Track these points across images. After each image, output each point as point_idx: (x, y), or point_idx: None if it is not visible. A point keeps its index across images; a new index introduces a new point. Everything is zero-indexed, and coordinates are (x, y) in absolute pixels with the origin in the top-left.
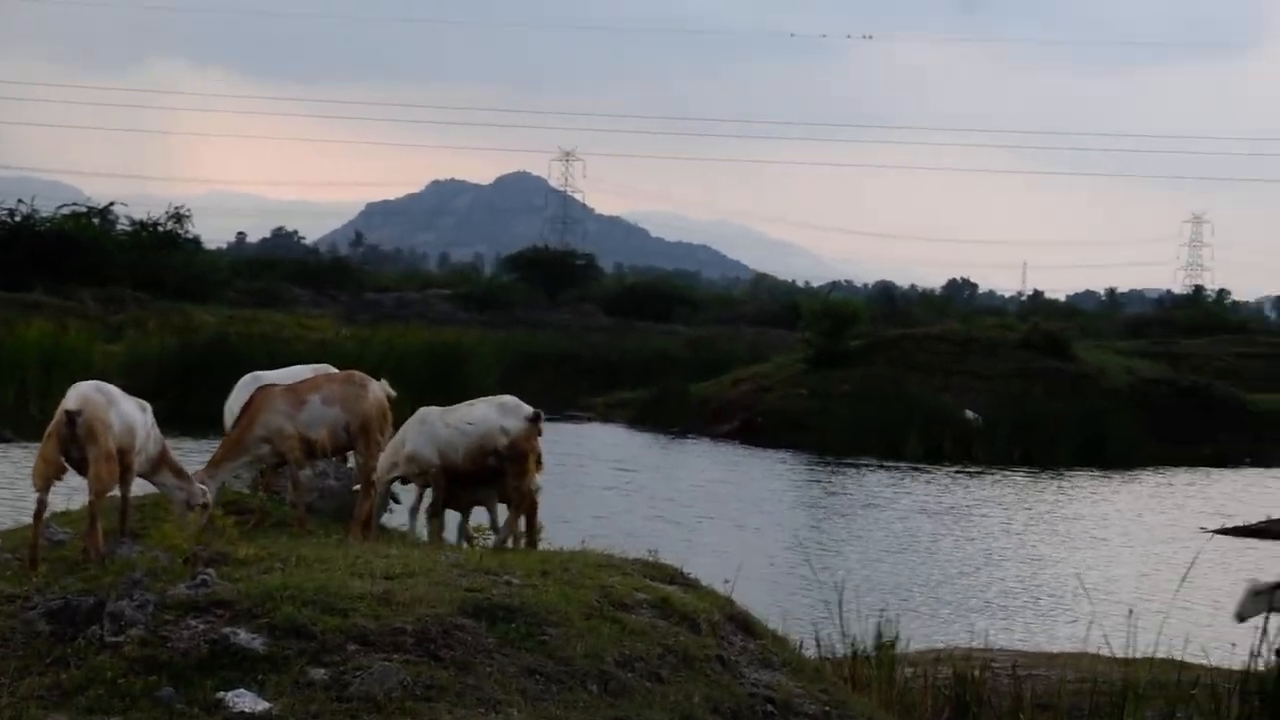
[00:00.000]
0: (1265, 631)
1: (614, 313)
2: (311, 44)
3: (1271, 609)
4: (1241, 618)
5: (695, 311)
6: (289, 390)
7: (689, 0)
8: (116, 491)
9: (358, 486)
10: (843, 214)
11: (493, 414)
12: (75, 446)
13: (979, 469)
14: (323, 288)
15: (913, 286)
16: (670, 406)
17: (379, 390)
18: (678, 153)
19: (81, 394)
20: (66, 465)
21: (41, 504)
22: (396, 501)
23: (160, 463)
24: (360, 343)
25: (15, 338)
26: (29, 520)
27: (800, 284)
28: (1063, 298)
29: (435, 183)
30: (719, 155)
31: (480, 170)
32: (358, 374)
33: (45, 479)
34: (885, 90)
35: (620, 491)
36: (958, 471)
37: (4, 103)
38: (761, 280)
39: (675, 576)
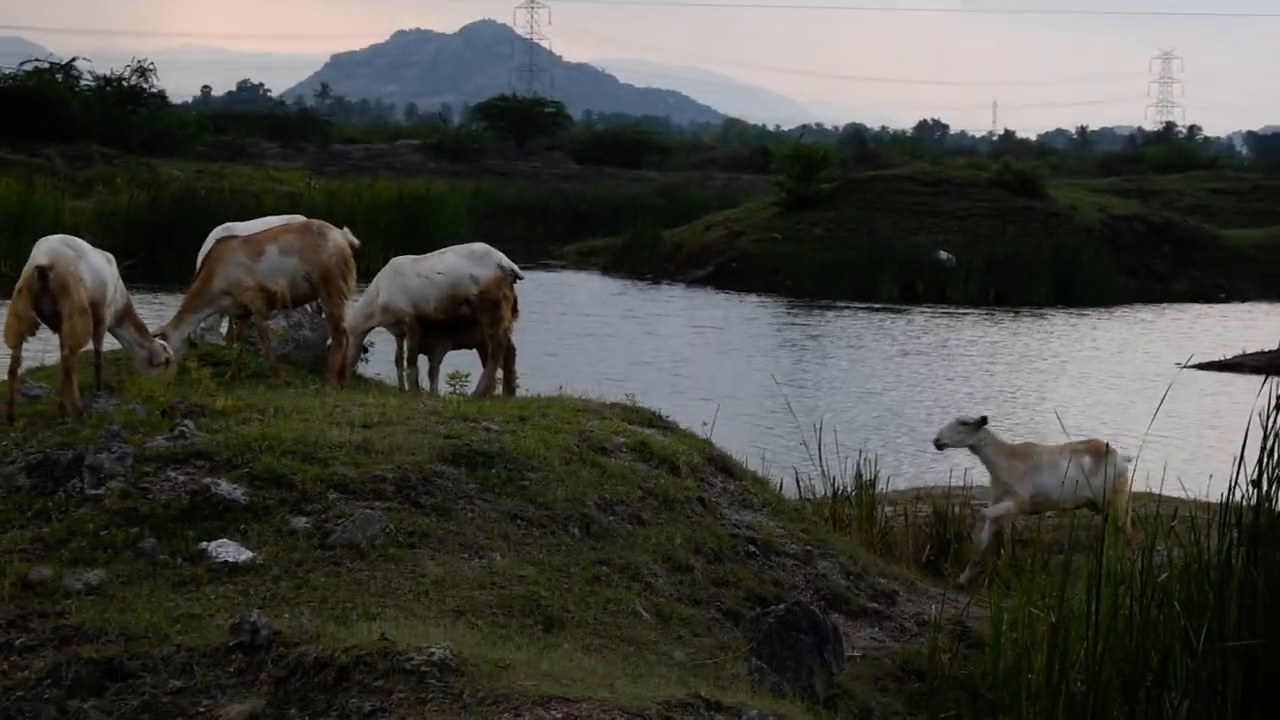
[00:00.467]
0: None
1: (584, 160)
2: None
3: (972, 448)
4: (939, 444)
5: (665, 158)
6: (246, 241)
7: None
8: (90, 346)
9: None
10: (813, 57)
11: (462, 262)
12: (47, 300)
13: (954, 309)
14: (290, 140)
15: (883, 129)
16: (643, 253)
17: (340, 238)
18: None
19: (51, 249)
20: (39, 320)
21: (15, 360)
22: (365, 351)
23: (124, 316)
24: (330, 195)
25: None
26: (2, 377)
27: (771, 128)
28: (1034, 137)
29: (400, 33)
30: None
31: (445, 19)
32: (316, 223)
33: (18, 335)
34: None
35: (595, 338)
36: (932, 312)
37: None
38: (731, 125)
39: (653, 420)
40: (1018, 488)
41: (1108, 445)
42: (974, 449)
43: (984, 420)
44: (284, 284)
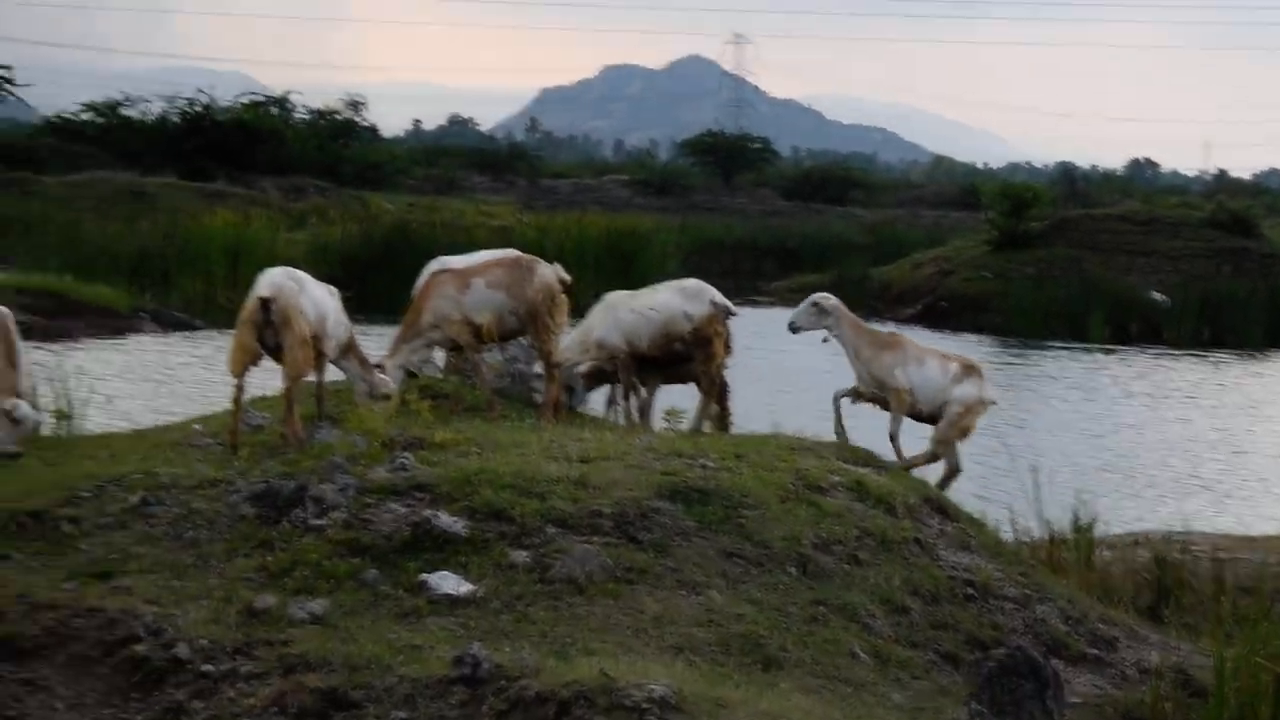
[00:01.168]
0: None
1: (791, 197)
2: None
3: (832, 335)
4: (793, 328)
5: (873, 195)
6: (456, 274)
7: None
8: (311, 377)
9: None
10: (1022, 94)
11: (676, 299)
12: (270, 332)
13: (1169, 351)
14: (500, 175)
15: (1094, 167)
16: (851, 290)
17: (548, 274)
18: (852, 34)
19: (274, 281)
20: (262, 351)
21: (239, 389)
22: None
23: (347, 349)
24: (540, 229)
25: (201, 228)
26: (225, 406)
27: (979, 165)
28: (1248, 176)
29: (608, 68)
30: (894, 36)
31: (653, 56)
32: (526, 258)
33: (241, 365)
34: None
35: (808, 375)
36: (1147, 353)
37: None
38: (939, 163)
39: (869, 459)
40: (890, 380)
41: (979, 367)
42: (833, 335)
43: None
44: (490, 318)
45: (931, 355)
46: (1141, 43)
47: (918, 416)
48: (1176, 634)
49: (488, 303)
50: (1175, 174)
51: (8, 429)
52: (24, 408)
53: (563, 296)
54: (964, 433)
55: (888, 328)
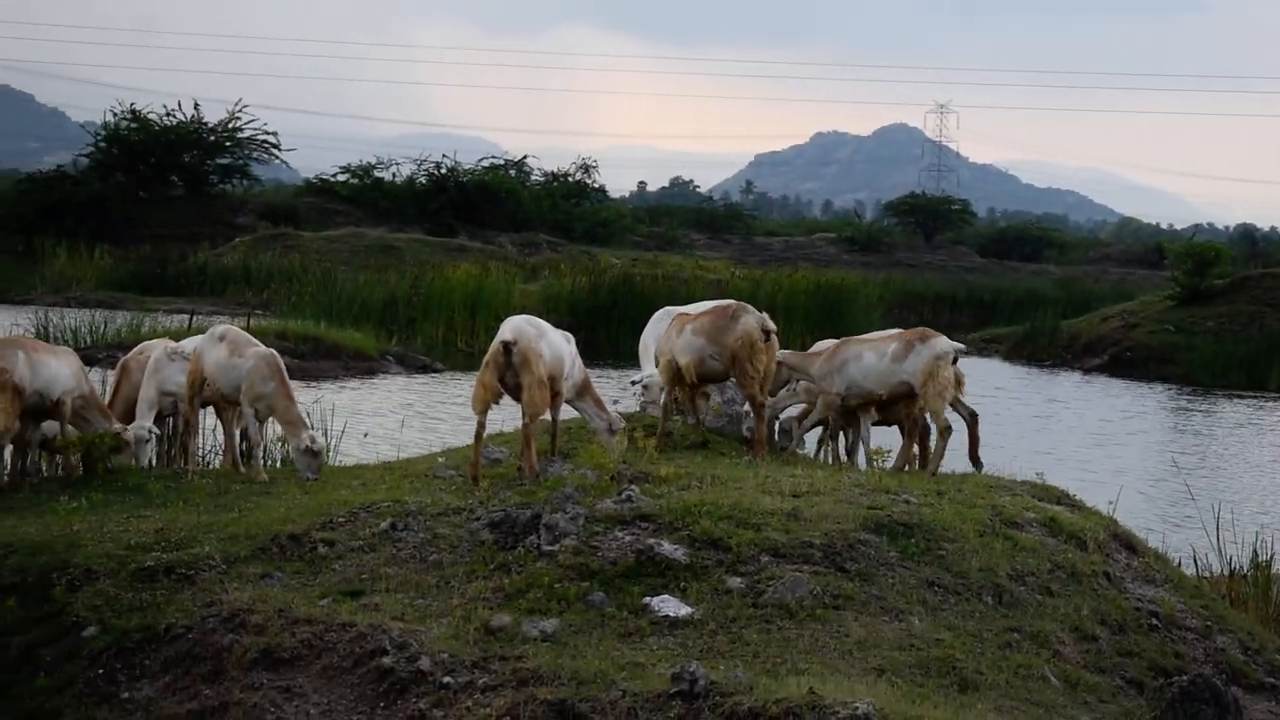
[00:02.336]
0: None
1: (987, 254)
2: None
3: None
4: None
5: (1063, 253)
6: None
7: None
8: (547, 416)
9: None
10: (1205, 160)
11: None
12: (510, 374)
13: None
14: (717, 232)
15: (1273, 229)
16: (1042, 341)
17: (751, 322)
18: (1046, 103)
19: (516, 326)
20: (503, 390)
21: (481, 426)
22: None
23: (584, 390)
24: (753, 283)
25: (444, 279)
26: (466, 442)
27: (1164, 226)
28: None
29: (819, 134)
30: (1086, 105)
31: (860, 123)
32: (735, 305)
33: (484, 403)
34: (1246, 41)
35: (1002, 419)
36: None
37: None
38: (1126, 223)
39: (1061, 498)
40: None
41: (928, 331)
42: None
43: None
44: (689, 361)
45: (867, 345)
46: None
47: (889, 405)
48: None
49: (689, 347)
50: None
51: (309, 461)
52: (319, 439)
53: (763, 344)
54: (940, 394)
55: (1074, 377)
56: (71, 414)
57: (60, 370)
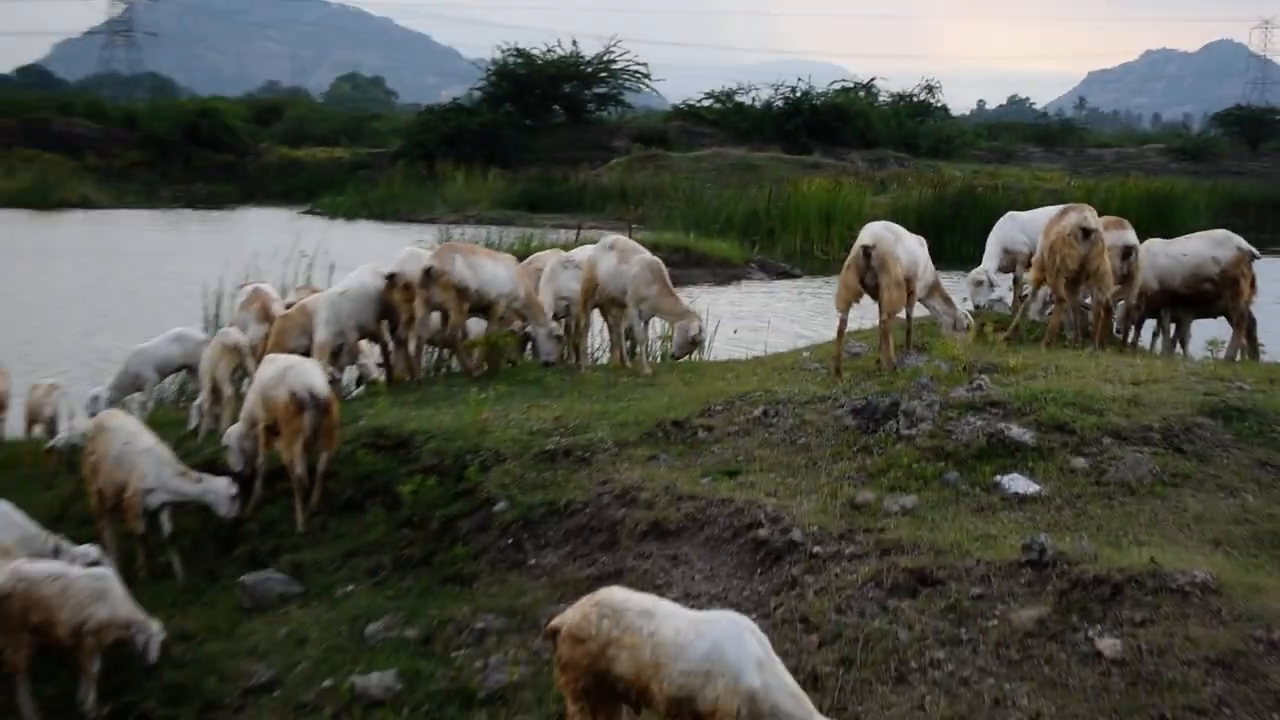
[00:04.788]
0: None
1: None
2: None
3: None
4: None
5: None
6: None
7: None
8: (902, 313)
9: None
10: None
11: (1205, 246)
12: (870, 275)
13: None
14: (1051, 146)
15: None
16: None
17: (1070, 220)
18: None
19: (875, 232)
20: (863, 290)
21: (843, 322)
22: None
23: (933, 290)
24: (1086, 191)
25: (799, 193)
26: (827, 338)
27: None
28: None
29: (1148, 52)
30: None
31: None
32: (1070, 206)
33: (845, 302)
34: None
35: None
36: None
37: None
38: None
39: None
40: None
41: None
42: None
43: None
44: (1021, 256)
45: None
46: None
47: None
48: None
49: (1027, 243)
50: None
51: (686, 345)
52: (696, 324)
53: (1078, 239)
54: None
55: None
56: (510, 313)
57: (498, 273)
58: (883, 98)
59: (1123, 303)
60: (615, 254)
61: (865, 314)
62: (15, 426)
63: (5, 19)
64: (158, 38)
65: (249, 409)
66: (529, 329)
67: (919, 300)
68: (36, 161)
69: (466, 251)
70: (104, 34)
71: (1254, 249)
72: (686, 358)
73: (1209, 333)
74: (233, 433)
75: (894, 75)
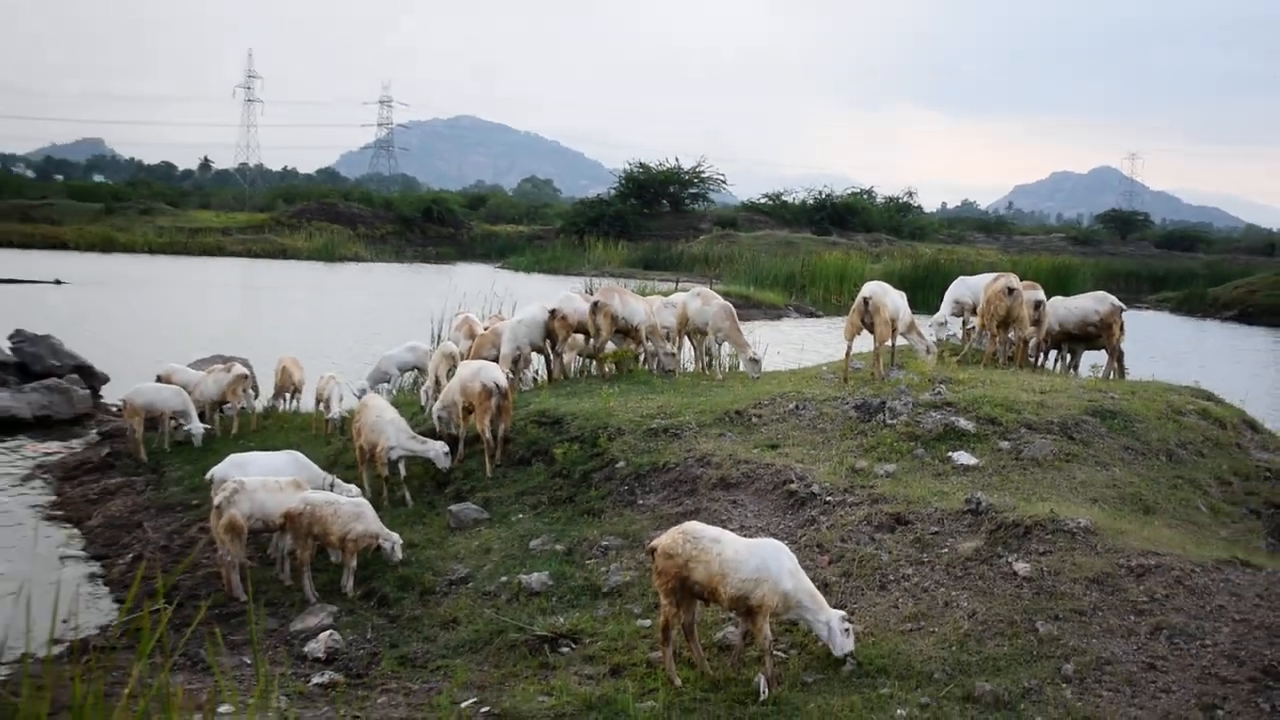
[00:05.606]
0: None
1: (1160, 247)
2: (984, 88)
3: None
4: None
5: (1209, 247)
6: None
7: None
8: (889, 343)
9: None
10: None
11: (1089, 302)
12: (867, 316)
13: None
14: (989, 234)
15: None
16: (1195, 302)
17: (1000, 282)
18: (1199, 151)
19: (870, 288)
20: (862, 327)
21: (849, 348)
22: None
23: (910, 327)
24: (1012, 263)
25: (822, 261)
26: (837, 358)
27: (1275, 230)
28: None
29: (1054, 172)
30: (1225, 154)
31: (1081, 164)
32: (1003, 274)
33: (850, 334)
34: None
35: (1172, 347)
36: None
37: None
38: (1251, 229)
39: (1209, 396)
40: None
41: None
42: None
43: None
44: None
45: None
46: None
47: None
48: None
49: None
50: None
51: (754, 366)
52: (756, 353)
53: (1005, 295)
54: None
55: (1215, 324)
56: (647, 336)
57: (638, 308)
58: (878, 199)
59: (1035, 339)
60: (700, 299)
61: (864, 342)
62: (307, 403)
63: (312, 136)
64: (407, 151)
65: (451, 396)
66: (650, 347)
67: (900, 334)
68: (327, 230)
69: (620, 292)
70: (373, 148)
71: (1123, 304)
72: (754, 373)
73: (1092, 360)
74: (435, 409)
75: (885, 183)
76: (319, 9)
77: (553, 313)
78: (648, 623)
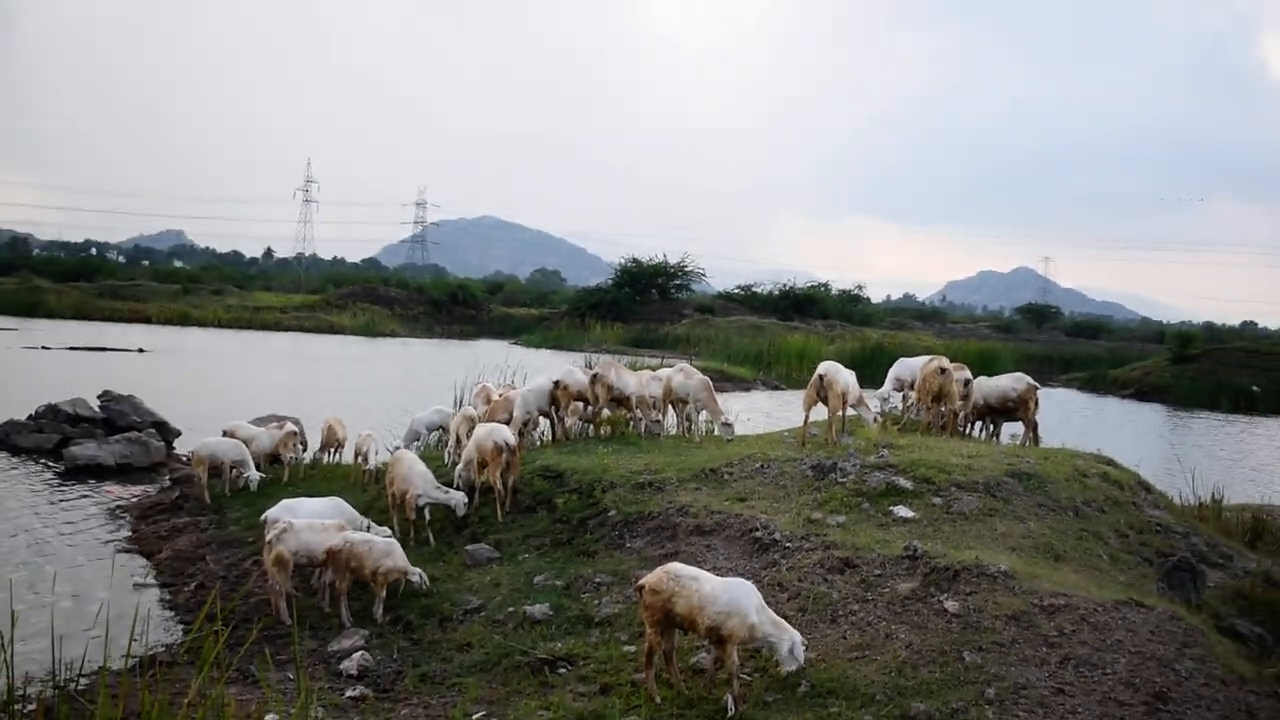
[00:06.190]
0: None
1: (1070, 335)
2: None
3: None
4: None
5: (1110, 336)
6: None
7: None
8: (840, 413)
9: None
10: (1191, 286)
11: (1009, 381)
12: (822, 390)
13: (1259, 418)
14: (927, 322)
15: (1224, 324)
16: (1099, 381)
17: (933, 364)
18: (1105, 256)
19: (825, 366)
20: (818, 399)
21: (806, 417)
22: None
23: (859, 401)
24: (945, 348)
25: (785, 342)
26: (796, 425)
27: (1167, 322)
28: None
29: (980, 271)
30: (1127, 258)
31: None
32: (936, 358)
33: (808, 405)
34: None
35: (1081, 420)
36: (1244, 418)
37: (781, 237)
38: (1146, 321)
39: (1110, 461)
40: None
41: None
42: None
43: None
44: (910, 381)
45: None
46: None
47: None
48: (1264, 555)
49: (910, 376)
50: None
51: (727, 430)
52: (723, 418)
53: (939, 375)
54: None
55: (1116, 400)
56: (637, 404)
57: (629, 380)
58: (833, 291)
59: (963, 411)
60: (682, 373)
61: (820, 412)
62: (347, 457)
63: (359, 231)
64: (438, 244)
65: (469, 453)
66: (639, 414)
67: (850, 406)
68: (369, 310)
69: (615, 367)
70: (409, 242)
71: (1037, 383)
72: (727, 436)
73: (1012, 430)
74: (459, 469)
75: (839, 278)
76: (366, 122)
77: (557, 383)
78: (633, 648)
